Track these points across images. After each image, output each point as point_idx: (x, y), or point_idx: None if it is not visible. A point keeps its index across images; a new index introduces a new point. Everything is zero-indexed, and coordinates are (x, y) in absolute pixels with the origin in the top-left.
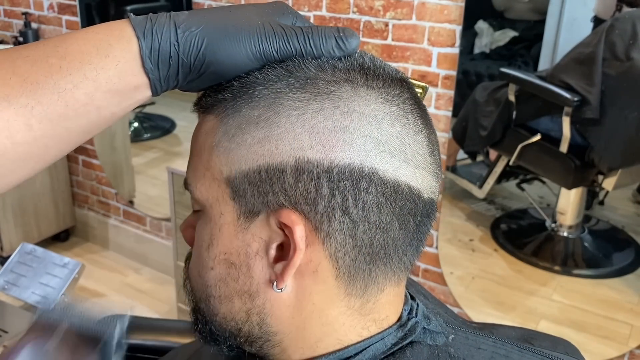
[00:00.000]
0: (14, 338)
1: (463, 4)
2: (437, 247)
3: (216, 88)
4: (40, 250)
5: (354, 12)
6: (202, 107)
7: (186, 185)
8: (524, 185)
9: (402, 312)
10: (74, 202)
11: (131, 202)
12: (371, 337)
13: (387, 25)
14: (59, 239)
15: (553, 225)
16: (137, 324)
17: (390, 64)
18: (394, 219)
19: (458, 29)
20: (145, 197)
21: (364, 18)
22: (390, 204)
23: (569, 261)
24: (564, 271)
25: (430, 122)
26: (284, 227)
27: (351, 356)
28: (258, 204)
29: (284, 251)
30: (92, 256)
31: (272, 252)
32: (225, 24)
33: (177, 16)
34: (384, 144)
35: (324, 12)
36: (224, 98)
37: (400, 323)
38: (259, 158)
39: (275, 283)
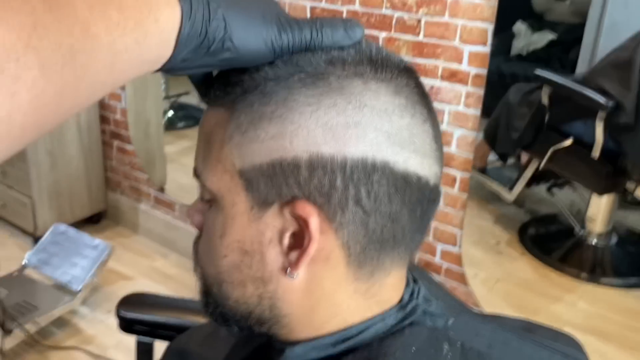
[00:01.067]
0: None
1: (496, 3)
2: (460, 246)
3: (225, 80)
4: (72, 230)
5: (386, 8)
6: (212, 100)
7: (196, 174)
8: (555, 190)
9: (403, 294)
10: (107, 186)
11: (162, 189)
12: (373, 317)
13: (419, 21)
14: (91, 222)
15: (582, 231)
16: (158, 302)
17: (400, 55)
18: (403, 208)
19: (490, 27)
20: (176, 185)
21: (397, 14)
22: (401, 194)
23: (597, 269)
24: (591, 279)
25: (433, 110)
26: (299, 218)
27: (353, 335)
28: (271, 195)
29: (297, 239)
30: (122, 240)
31: (286, 240)
32: (247, 9)
33: None
34: (395, 136)
35: (357, 7)
36: (234, 92)
37: (401, 305)
38: (273, 153)
39: (289, 270)
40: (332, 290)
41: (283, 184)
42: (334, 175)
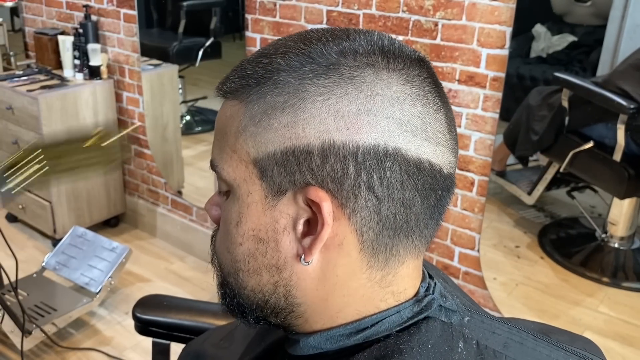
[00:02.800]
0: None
1: (514, 6)
2: (478, 250)
3: (239, 74)
4: (90, 233)
5: (403, 11)
6: (226, 92)
7: (213, 166)
8: (575, 194)
9: (419, 288)
10: (125, 189)
11: (179, 192)
12: (388, 309)
13: (436, 25)
14: (109, 225)
15: (604, 235)
16: (175, 304)
17: (409, 47)
18: (416, 195)
19: (508, 30)
20: (193, 188)
21: (414, 17)
22: (413, 181)
23: (619, 273)
24: (612, 283)
25: (446, 100)
26: (312, 204)
27: (367, 327)
28: (285, 182)
29: (311, 226)
30: (139, 242)
31: (300, 227)
32: None
33: None
34: (407, 124)
35: (373, 11)
36: (247, 84)
37: (417, 298)
38: (286, 141)
39: (303, 257)
40: (346, 277)
41: (297, 172)
42: (346, 162)
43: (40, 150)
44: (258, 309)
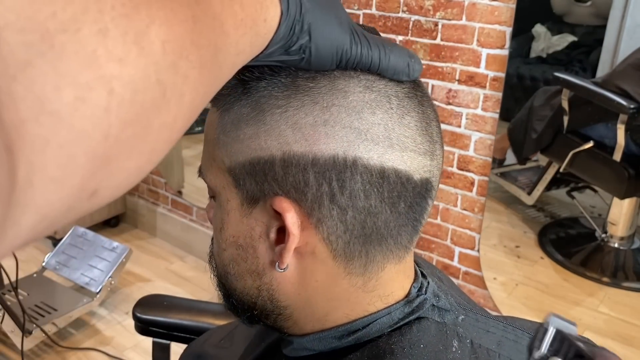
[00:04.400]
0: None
1: (514, 6)
2: (478, 250)
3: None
4: (90, 233)
5: (403, 11)
6: (211, 101)
7: (200, 172)
8: (575, 194)
9: (410, 289)
10: None
11: (180, 192)
12: (377, 311)
13: (436, 25)
14: (109, 225)
15: (603, 235)
16: (175, 304)
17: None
18: (382, 203)
19: (508, 30)
20: (193, 188)
21: (414, 17)
22: (377, 190)
23: (619, 273)
24: (612, 283)
25: (422, 99)
26: (278, 214)
27: (359, 329)
28: (256, 192)
29: (282, 235)
30: (139, 242)
31: (273, 235)
32: (328, 14)
33: None
34: (366, 132)
35: (373, 11)
36: (222, 93)
37: (408, 299)
38: (252, 152)
39: (277, 264)
40: (327, 283)
41: (264, 182)
42: (306, 173)
43: None
44: (249, 310)
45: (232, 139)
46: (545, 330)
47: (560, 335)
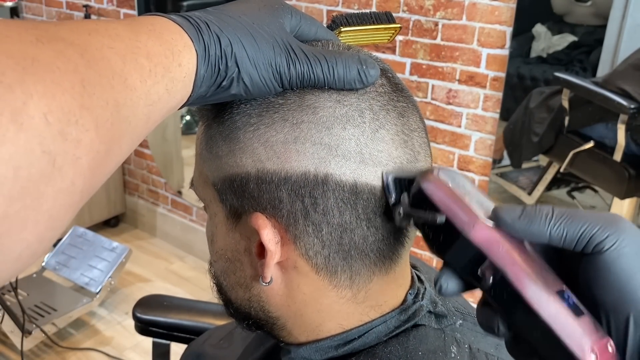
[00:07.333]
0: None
1: (514, 6)
2: None
3: None
4: (90, 233)
5: (403, 11)
6: (198, 115)
7: (191, 184)
8: (575, 194)
9: (406, 296)
10: (125, 189)
11: (179, 192)
12: (372, 320)
13: (436, 24)
14: (109, 225)
15: None
16: (175, 304)
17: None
18: (358, 220)
19: (509, 30)
20: None
21: (414, 17)
22: (351, 206)
23: None
24: None
25: (404, 110)
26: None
27: (354, 338)
28: (238, 207)
29: (265, 249)
30: (139, 242)
31: (254, 250)
32: (257, 42)
33: (211, 23)
34: (336, 148)
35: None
36: (206, 109)
37: (403, 307)
38: (229, 168)
39: (260, 278)
40: (314, 295)
41: (243, 198)
42: (279, 190)
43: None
44: (247, 318)
45: (213, 155)
46: (387, 185)
47: (398, 180)
